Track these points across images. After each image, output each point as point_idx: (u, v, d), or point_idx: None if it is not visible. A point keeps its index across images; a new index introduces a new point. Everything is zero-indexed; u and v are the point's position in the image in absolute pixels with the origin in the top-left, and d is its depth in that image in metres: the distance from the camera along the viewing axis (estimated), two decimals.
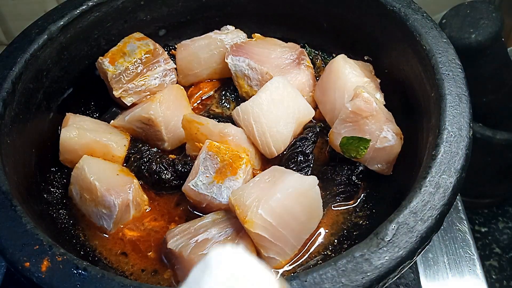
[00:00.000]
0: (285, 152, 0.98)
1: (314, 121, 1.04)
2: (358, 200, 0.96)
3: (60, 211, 0.95)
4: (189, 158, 0.98)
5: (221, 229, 0.84)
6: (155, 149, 1.02)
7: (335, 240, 0.90)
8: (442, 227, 0.75)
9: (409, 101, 0.96)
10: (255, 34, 1.14)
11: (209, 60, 1.13)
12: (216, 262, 0.46)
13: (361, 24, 1.07)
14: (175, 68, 1.11)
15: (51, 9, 1.02)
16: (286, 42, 1.12)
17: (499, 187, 1.63)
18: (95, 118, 1.09)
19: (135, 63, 1.04)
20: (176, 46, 1.16)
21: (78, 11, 1.02)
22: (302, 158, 0.96)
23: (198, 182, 0.89)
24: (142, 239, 0.92)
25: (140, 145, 1.02)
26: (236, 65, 1.07)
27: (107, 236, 0.93)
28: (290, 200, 0.82)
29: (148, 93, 1.06)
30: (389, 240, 0.67)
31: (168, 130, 1.02)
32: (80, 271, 0.66)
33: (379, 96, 1.01)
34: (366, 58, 1.09)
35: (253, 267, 0.48)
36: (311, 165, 0.97)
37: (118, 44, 1.07)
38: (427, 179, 0.73)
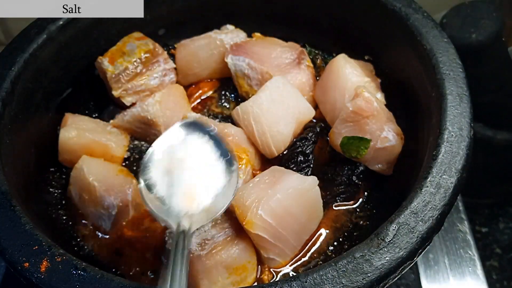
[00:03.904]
0: (285, 152, 0.98)
1: (314, 121, 1.04)
2: (359, 201, 0.95)
3: (59, 211, 0.95)
4: None
5: (220, 229, 0.83)
6: None
7: (336, 241, 0.90)
8: (442, 228, 0.75)
9: (410, 101, 0.96)
10: (255, 33, 1.14)
11: (208, 60, 1.13)
12: None
13: (361, 24, 1.06)
14: (175, 68, 1.11)
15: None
16: (286, 41, 1.12)
17: (500, 187, 1.62)
18: (94, 118, 1.09)
19: (135, 63, 1.04)
20: (175, 45, 1.16)
21: None
22: (302, 158, 0.96)
23: None
24: (141, 240, 0.92)
25: (140, 145, 1.02)
26: (236, 65, 1.07)
27: (106, 236, 0.92)
28: (290, 200, 0.82)
29: (148, 92, 1.06)
30: (390, 240, 0.67)
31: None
32: (79, 271, 0.66)
33: (380, 96, 1.01)
34: (366, 58, 1.09)
35: None
36: (311, 165, 0.97)
37: (118, 43, 1.07)
38: (428, 179, 0.73)
